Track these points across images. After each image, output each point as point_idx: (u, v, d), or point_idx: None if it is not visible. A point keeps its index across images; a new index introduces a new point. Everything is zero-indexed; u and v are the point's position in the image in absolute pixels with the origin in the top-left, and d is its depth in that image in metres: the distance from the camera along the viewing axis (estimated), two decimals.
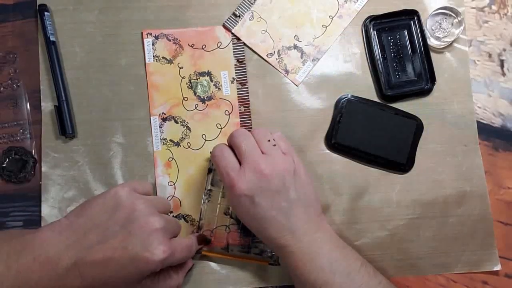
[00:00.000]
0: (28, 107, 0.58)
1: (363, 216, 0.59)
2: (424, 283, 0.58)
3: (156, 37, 0.60)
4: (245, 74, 0.60)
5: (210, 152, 0.56)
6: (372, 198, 0.59)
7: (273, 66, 0.61)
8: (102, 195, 0.49)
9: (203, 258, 0.57)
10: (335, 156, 0.60)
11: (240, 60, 0.61)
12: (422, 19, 0.61)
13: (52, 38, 0.58)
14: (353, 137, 0.59)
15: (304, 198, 0.51)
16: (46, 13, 0.58)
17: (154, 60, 0.60)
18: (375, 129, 0.59)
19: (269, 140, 0.52)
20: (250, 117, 0.60)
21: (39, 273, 0.44)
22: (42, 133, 0.58)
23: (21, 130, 0.58)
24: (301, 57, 0.61)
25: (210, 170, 0.57)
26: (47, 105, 0.58)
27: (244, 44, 0.61)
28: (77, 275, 0.45)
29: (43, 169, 0.58)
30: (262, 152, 0.51)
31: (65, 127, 0.57)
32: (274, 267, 0.57)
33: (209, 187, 0.57)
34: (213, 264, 0.58)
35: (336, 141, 0.59)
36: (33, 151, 0.58)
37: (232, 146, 0.53)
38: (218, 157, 0.52)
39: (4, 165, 0.57)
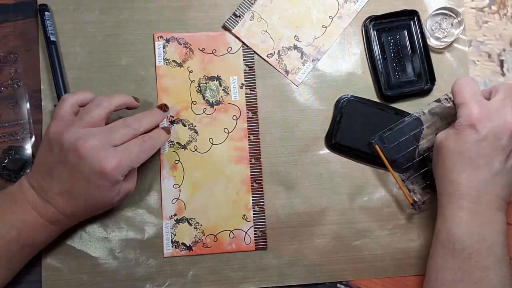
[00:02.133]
0: (29, 106, 0.58)
1: (363, 216, 0.59)
2: None
3: (167, 40, 0.60)
4: (254, 80, 0.61)
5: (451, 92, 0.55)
6: (372, 198, 0.59)
7: (273, 67, 0.61)
8: (42, 139, 0.52)
9: None
10: (335, 156, 0.60)
11: (250, 65, 0.61)
12: (422, 19, 0.61)
13: (52, 38, 0.58)
14: (353, 137, 0.59)
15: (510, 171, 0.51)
16: (46, 13, 0.59)
17: (164, 63, 0.60)
18: (375, 129, 0.59)
19: None
20: (257, 122, 0.60)
21: (21, 214, 0.50)
22: (42, 133, 0.58)
23: (21, 130, 0.58)
24: (301, 58, 0.61)
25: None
26: (48, 104, 0.58)
27: (244, 43, 0.61)
28: (50, 208, 0.50)
29: None
30: None
31: None
32: None
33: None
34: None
35: (336, 141, 0.59)
36: (33, 150, 0.58)
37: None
38: (467, 84, 0.52)
39: (4, 164, 0.57)
